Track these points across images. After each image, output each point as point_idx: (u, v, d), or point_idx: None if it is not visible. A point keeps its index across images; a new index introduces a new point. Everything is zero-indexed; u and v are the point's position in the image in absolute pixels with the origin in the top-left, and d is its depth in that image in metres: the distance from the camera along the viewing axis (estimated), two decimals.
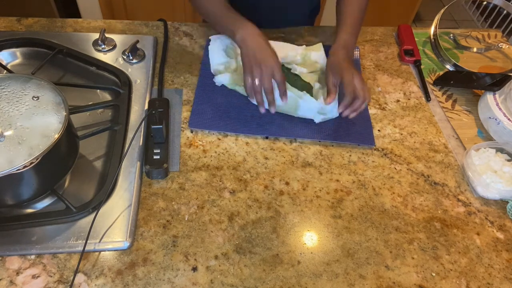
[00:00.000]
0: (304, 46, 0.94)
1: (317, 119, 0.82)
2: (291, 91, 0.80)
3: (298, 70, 0.89)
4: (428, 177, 0.76)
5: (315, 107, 0.80)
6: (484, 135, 0.84)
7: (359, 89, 0.76)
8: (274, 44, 0.83)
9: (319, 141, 0.80)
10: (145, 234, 0.65)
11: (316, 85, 0.86)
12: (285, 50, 0.91)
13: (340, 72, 0.77)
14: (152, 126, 0.71)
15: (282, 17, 1.05)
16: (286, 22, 1.03)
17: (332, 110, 0.81)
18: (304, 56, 0.92)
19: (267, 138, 0.80)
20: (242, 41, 0.78)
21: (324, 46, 0.93)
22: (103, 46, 0.89)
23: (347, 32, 0.83)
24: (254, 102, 0.82)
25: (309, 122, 0.82)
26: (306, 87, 0.86)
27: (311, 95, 0.82)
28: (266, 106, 0.81)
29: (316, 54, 0.92)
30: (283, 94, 0.78)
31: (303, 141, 0.80)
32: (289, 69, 0.89)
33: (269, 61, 0.75)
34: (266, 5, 1.01)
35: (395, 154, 0.79)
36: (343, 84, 0.77)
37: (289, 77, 0.88)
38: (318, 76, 0.89)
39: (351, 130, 0.82)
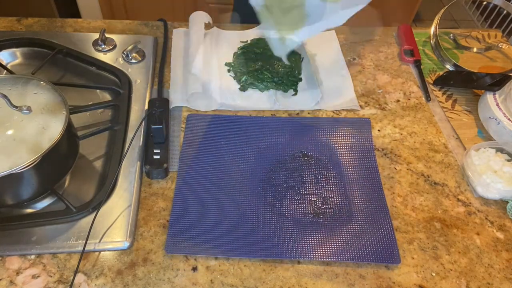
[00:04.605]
0: None
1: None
2: None
3: None
4: (428, 177, 0.76)
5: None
6: (484, 135, 0.84)
7: None
8: None
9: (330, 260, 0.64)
10: (145, 234, 0.65)
11: None
12: None
13: None
14: (152, 126, 0.71)
15: None
16: None
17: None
18: None
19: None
20: None
21: None
22: (103, 46, 0.89)
23: None
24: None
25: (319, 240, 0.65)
26: None
27: None
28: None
29: None
30: None
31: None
32: None
33: None
34: None
35: (395, 154, 0.79)
36: None
37: None
38: None
39: (370, 246, 0.66)
